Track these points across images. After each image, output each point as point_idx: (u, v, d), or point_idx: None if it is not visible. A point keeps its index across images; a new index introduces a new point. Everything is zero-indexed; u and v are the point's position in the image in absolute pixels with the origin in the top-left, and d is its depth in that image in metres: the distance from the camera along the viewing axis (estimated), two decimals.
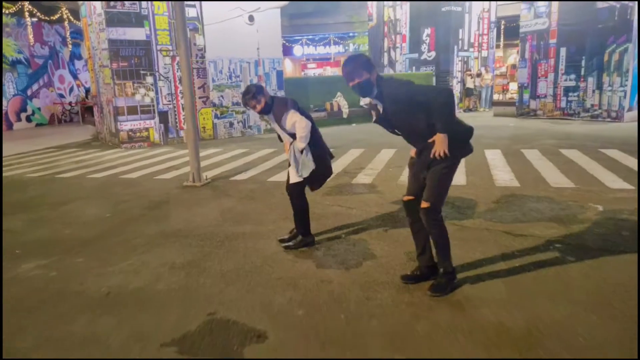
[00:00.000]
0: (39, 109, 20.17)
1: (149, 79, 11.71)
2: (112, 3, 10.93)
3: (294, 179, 3.98)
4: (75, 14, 17.43)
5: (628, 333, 2.56)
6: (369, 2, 20.87)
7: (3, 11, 16.27)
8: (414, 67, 19.19)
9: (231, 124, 13.40)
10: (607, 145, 8.65)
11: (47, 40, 20.26)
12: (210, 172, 7.74)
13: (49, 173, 8.49)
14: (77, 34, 20.16)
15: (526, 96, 15.04)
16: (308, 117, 3.90)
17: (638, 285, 2.99)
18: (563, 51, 13.87)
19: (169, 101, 12.11)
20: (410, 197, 3.24)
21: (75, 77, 22.07)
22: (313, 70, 33.22)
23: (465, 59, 19.00)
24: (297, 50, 32.43)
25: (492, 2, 19.32)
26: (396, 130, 3.17)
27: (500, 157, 7.97)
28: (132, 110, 11.58)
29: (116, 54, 11.20)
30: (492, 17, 19.62)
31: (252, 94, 3.88)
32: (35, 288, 3.51)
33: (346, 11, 28.88)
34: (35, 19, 17.86)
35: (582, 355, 2.38)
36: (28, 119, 19.71)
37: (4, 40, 17.07)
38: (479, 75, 18.78)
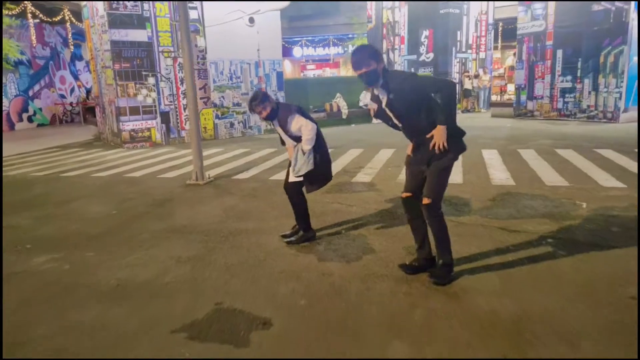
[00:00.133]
0: (41, 109, 20.31)
1: (151, 80, 11.86)
2: (114, 5, 11.07)
3: (293, 178, 4.13)
4: (77, 15, 17.60)
5: (612, 319, 2.71)
6: (368, 4, 21.04)
7: (7, 12, 16.39)
8: (412, 69, 19.35)
9: (232, 125, 13.55)
10: (602, 146, 8.81)
11: (48, 41, 20.40)
12: (212, 171, 7.89)
13: (53, 172, 8.62)
14: (78, 35, 20.31)
15: (523, 97, 15.21)
16: (312, 122, 4.06)
17: (638, 283, 3.09)
18: (559, 53, 14.05)
19: (171, 102, 12.25)
20: (409, 194, 3.39)
21: (76, 77, 22.21)
22: (312, 72, 33.41)
23: (463, 61, 19.19)
24: (297, 51, 32.59)
25: (489, 5, 19.51)
26: (396, 123, 3.26)
27: (496, 156, 8.12)
28: (134, 111, 11.72)
29: (118, 55, 11.34)
30: (490, 19, 19.81)
31: (259, 100, 4.02)
32: (48, 280, 3.65)
33: (345, 13, 29.06)
34: (37, 20, 17.99)
35: (568, 338, 2.53)
36: (30, 120, 19.84)
37: (8, 41, 17.18)
38: (476, 76, 18.96)
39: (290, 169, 4.16)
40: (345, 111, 16.24)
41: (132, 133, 11.76)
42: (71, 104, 21.66)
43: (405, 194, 3.41)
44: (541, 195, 5.50)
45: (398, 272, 3.47)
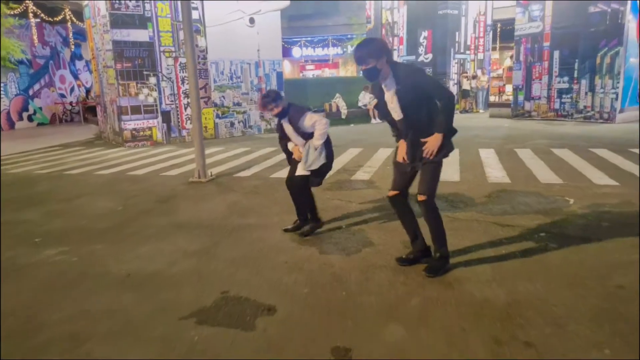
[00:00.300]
0: (41, 108, 20.45)
1: (152, 80, 12.00)
2: (116, 5, 11.21)
3: (301, 172, 4.28)
4: (78, 15, 17.72)
5: (598, 306, 2.87)
6: (367, 5, 21.21)
7: (9, 12, 16.52)
8: None
9: (232, 124, 13.70)
10: (597, 145, 8.98)
11: (48, 41, 20.54)
12: (214, 169, 8.04)
13: (57, 170, 8.76)
14: (78, 34, 20.43)
15: (521, 98, 15.39)
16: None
17: None
18: (556, 54, 14.23)
19: (172, 101, 12.40)
20: (396, 192, 3.55)
21: (76, 77, 22.34)
22: (311, 72, 33.57)
23: (462, 61, 19.36)
24: (296, 51, 32.74)
25: (488, 6, 19.68)
26: (394, 118, 3.37)
27: (493, 155, 8.28)
28: (136, 110, 11.86)
29: (120, 54, 11.48)
30: (488, 20, 19.99)
31: (272, 98, 4.20)
32: (61, 270, 3.80)
33: (345, 13, 29.24)
34: (37, 20, 18.12)
35: (556, 322, 2.68)
36: (30, 119, 19.98)
37: (12, 41, 17.30)
38: (475, 77, 19.13)
39: (300, 164, 4.31)
40: (344, 111, 16.41)
41: (133, 132, 11.90)
42: (71, 103, 21.79)
43: (392, 193, 3.57)
44: (535, 193, 5.66)
45: (396, 264, 3.62)
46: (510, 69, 22.94)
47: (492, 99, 20.07)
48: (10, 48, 17.11)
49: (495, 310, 2.85)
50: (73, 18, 18.37)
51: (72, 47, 21.08)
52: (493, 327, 2.67)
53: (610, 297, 2.98)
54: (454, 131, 3.32)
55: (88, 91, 22.23)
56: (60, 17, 18.36)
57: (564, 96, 14.29)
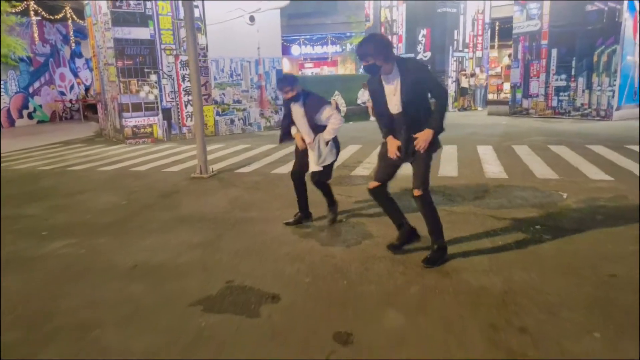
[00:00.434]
0: (41, 106, 20.50)
1: (153, 77, 12.09)
2: (117, 3, 11.28)
3: (314, 167, 4.39)
4: (78, 13, 17.77)
5: (591, 294, 2.97)
6: (366, 3, 21.28)
7: (11, 10, 16.57)
8: None
9: (232, 121, 13.79)
10: (593, 142, 9.09)
11: (48, 39, 20.58)
12: (215, 165, 8.12)
13: (59, 166, 8.85)
14: (78, 32, 20.48)
15: (519, 95, 15.51)
16: None
17: None
18: (554, 52, 14.35)
19: (172, 98, 12.48)
20: (377, 184, 3.68)
21: (75, 75, 22.39)
22: (310, 70, 33.63)
23: (460, 59, 19.47)
24: (295, 49, 32.81)
25: (486, 4, 19.78)
26: (391, 114, 3.46)
27: (491, 152, 8.39)
28: (137, 107, 11.95)
29: (121, 52, 11.56)
30: (487, 19, 20.10)
31: (289, 81, 4.31)
32: (68, 262, 3.90)
33: (344, 12, 29.30)
34: (37, 18, 18.17)
35: (549, 309, 2.79)
36: (30, 116, 20.04)
37: (14, 39, 17.34)
38: (473, 75, 19.24)
39: (312, 160, 4.39)
40: (343, 109, 16.47)
41: (134, 129, 11.98)
42: (71, 101, 21.85)
43: (373, 184, 3.71)
44: (532, 187, 5.77)
45: (394, 255, 3.72)
46: (508, 67, 23.07)
47: (490, 96, 20.18)
48: (13, 46, 17.16)
49: (492, 298, 2.96)
50: (74, 16, 18.43)
51: (73, 45, 21.13)
52: (489, 314, 2.78)
53: (602, 285, 3.09)
54: (443, 129, 3.43)
55: (87, 89, 22.29)
56: (60, 15, 18.40)
57: (561, 94, 14.41)
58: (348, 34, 30.58)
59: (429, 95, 3.42)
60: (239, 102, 13.80)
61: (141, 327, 2.80)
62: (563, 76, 14.29)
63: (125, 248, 4.20)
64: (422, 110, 3.39)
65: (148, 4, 11.73)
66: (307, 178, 4.57)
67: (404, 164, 3.60)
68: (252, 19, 13.51)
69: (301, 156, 4.54)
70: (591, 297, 2.94)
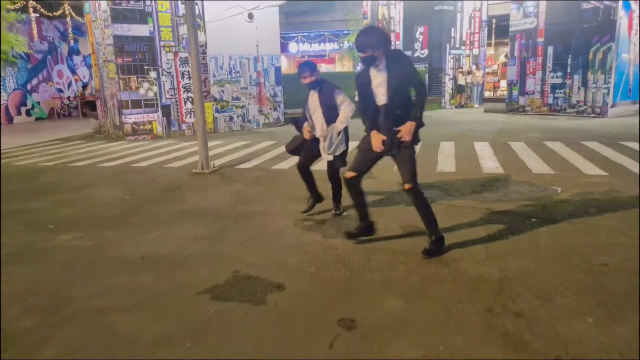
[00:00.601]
0: (39, 103, 20.51)
1: (153, 74, 12.15)
2: (117, 1, 11.34)
3: (326, 157, 4.52)
4: (77, 9, 17.78)
5: (583, 281, 3.10)
6: (363, 1, 21.34)
7: (11, 7, 16.58)
8: None
9: (231, 118, 13.87)
10: (588, 138, 9.24)
11: (46, 36, 20.57)
12: (216, 161, 8.23)
13: (61, 162, 8.93)
14: (76, 29, 20.46)
15: (515, 93, 15.64)
16: None
17: None
18: (550, 50, 14.48)
19: (172, 95, 12.55)
20: (354, 174, 3.82)
21: (73, 72, 22.38)
22: None
23: (457, 57, 19.58)
24: (292, 47, 32.86)
25: (483, 2, 19.90)
26: (378, 103, 3.58)
27: (488, 148, 8.52)
28: (136, 104, 12.02)
29: (121, 49, 11.61)
30: (484, 16, 20.20)
31: (310, 67, 4.46)
32: (78, 254, 4.01)
33: (342, 9, 29.36)
34: (36, 15, 18.18)
35: (544, 295, 2.92)
36: (28, 113, 20.04)
37: (15, 36, 17.35)
38: (470, 72, 19.37)
39: (323, 150, 4.51)
40: None
41: (134, 126, 12.05)
42: (69, 98, 21.86)
43: (350, 175, 3.84)
44: (528, 182, 5.90)
45: (396, 246, 3.85)
46: (504, 64, 23.23)
47: (486, 94, 20.36)
48: (13, 42, 17.18)
49: (488, 285, 3.09)
50: (72, 13, 18.43)
51: (72, 42, 21.13)
52: (486, 300, 2.91)
53: (594, 273, 3.23)
54: (423, 124, 3.57)
55: (85, 86, 22.29)
56: (59, 12, 18.41)
57: (557, 91, 14.55)
58: (345, 32, 30.64)
59: (412, 87, 3.57)
60: (237, 99, 13.88)
61: (153, 314, 2.91)
62: (559, 73, 14.43)
63: (132, 240, 4.31)
64: (406, 103, 3.55)
65: (147, 1, 11.78)
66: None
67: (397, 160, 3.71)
68: (250, 16, 13.59)
69: (307, 150, 4.68)
70: (583, 284, 3.07)
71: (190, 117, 12.78)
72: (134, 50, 11.83)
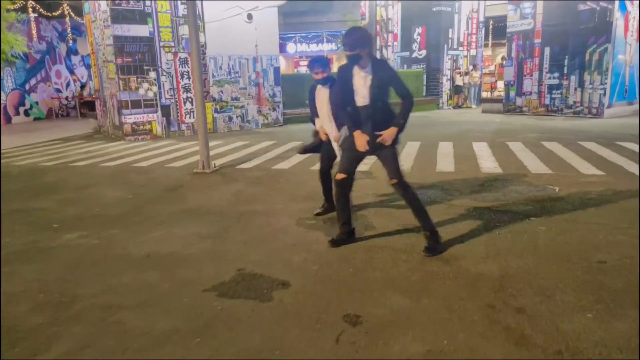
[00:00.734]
0: (37, 103, 20.49)
1: (152, 74, 12.18)
2: (117, 1, 11.37)
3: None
4: (76, 10, 17.79)
5: (582, 278, 3.17)
6: (362, 2, 21.44)
7: (10, 7, 16.57)
8: (405, 65, 19.83)
9: (230, 119, 13.91)
10: (585, 139, 9.33)
11: (44, 35, 20.55)
12: (216, 161, 8.26)
13: (62, 162, 8.96)
14: (74, 29, 20.46)
15: (512, 93, 15.74)
16: None
17: None
18: (547, 51, 14.59)
19: (171, 95, 12.59)
20: (344, 176, 3.89)
21: (71, 72, 22.37)
22: (306, 67, 33.74)
23: (455, 58, 19.67)
24: (290, 47, 32.90)
25: (480, 3, 20.00)
26: (358, 104, 3.65)
27: (486, 148, 8.59)
28: (136, 104, 12.05)
29: (121, 49, 11.64)
30: (481, 17, 20.30)
31: (321, 63, 4.50)
32: (83, 253, 4.05)
33: (340, 10, 29.44)
34: (34, 15, 18.18)
35: (543, 292, 2.98)
36: (26, 113, 20.02)
37: (14, 36, 17.34)
38: (467, 73, 19.46)
39: (337, 148, 4.51)
40: None
41: (133, 126, 12.08)
42: (67, 98, 21.85)
43: (341, 176, 3.89)
44: (526, 182, 5.98)
45: (397, 244, 3.91)
46: (502, 65, 23.33)
47: (484, 94, 20.45)
48: (13, 42, 17.17)
49: (489, 282, 3.15)
50: (71, 13, 18.44)
51: (71, 42, 21.13)
52: (488, 297, 2.97)
53: (593, 271, 3.29)
54: (404, 128, 3.67)
55: (83, 86, 22.28)
56: (58, 12, 18.41)
57: (554, 92, 14.66)
58: (343, 32, 30.69)
59: (397, 94, 3.65)
60: (237, 99, 13.92)
61: (161, 310, 2.97)
62: (556, 74, 14.53)
63: (136, 239, 4.35)
64: (385, 108, 3.65)
65: (147, 2, 11.82)
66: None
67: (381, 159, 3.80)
68: (250, 16, 13.63)
69: (326, 152, 4.70)
70: (582, 281, 3.14)
71: (189, 117, 12.82)
72: (133, 50, 11.85)
